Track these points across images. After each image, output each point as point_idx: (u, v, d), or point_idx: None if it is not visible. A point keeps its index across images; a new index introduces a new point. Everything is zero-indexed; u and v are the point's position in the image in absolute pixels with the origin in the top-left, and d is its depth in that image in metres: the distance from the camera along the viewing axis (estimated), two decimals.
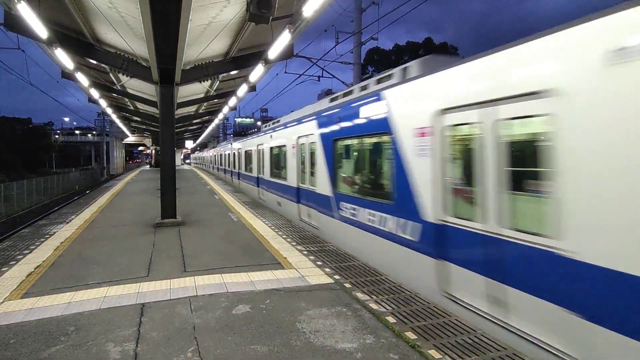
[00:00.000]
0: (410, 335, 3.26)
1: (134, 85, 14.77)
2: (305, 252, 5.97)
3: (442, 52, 42.02)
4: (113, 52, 9.80)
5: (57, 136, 73.08)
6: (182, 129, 32.80)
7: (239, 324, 3.48)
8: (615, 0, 2.66)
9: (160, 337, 3.23)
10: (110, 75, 13.16)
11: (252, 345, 3.10)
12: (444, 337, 3.24)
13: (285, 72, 18.19)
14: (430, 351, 3.00)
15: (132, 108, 22.09)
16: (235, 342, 3.15)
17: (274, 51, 8.33)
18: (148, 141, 43.71)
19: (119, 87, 14.74)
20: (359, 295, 4.18)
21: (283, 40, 7.70)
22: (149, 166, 47.91)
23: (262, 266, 5.25)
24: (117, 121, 28.50)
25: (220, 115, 23.70)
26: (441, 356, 2.93)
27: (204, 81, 11.62)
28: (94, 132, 73.30)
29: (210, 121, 29.26)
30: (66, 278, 4.77)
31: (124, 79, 13.54)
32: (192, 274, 4.95)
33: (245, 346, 3.08)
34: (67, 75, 12.62)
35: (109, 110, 21.64)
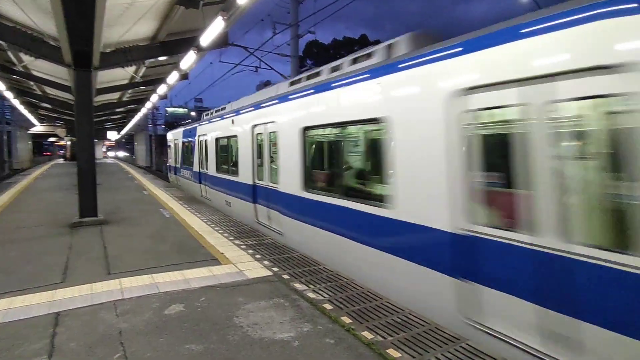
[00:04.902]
0: (346, 319, 3.42)
1: (42, 67, 12.96)
2: (243, 247, 5.87)
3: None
4: (12, 27, 8.48)
5: None
6: (104, 118, 29.80)
7: (171, 325, 3.32)
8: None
9: (80, 347, 2.95)
10: (9, 53, 11.39)
11: (186, 344, 2.99)
12: (375, 319, 3.45)
13: (220, 61, 17.50)
14: (363, 332, 3.17)
15: (39, 93, 19.43)
16: (167, 344, 3.00)
17: (207, 38, 7.93)
18: (61, 131, 38.92)
19: (21, 69, 12.83)
20: (297, 285, 4.24)
21: (216, 28, 7.36)
22: (63, 160, 42.71)
23: (197, 263, 5.05)
24: (21, 107, 24.78)
25: (149, 104, 21.98)
26: (373, 336, 3.12)
27: (127, 66, 10.66)
28: None
29: (137, 110, 26.98)
30: None
31: (27, 59, 11.81)
32: (117, 276, 4.58)
33: (178, 346, 2.96)
34: None
35: (9, 95, 18.72)
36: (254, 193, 7.88)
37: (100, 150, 48.77)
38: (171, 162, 18.25)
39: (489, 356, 2.82)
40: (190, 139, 13.78)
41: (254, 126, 7.78)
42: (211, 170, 10.92)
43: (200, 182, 12.30)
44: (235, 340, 3.05)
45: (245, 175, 8.31)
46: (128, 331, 3.21)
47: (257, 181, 7.82)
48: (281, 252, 5.61)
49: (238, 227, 7.38)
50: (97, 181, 8.07)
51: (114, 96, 20.66)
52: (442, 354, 2.85)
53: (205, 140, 11.56)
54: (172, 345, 2.99)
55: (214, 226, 7.37)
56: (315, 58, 44.09)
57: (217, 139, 10.50)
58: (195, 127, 12.92)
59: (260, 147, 7.74)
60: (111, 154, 66.95)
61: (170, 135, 18.30)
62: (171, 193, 12.69)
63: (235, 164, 9.08)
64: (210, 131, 11.08)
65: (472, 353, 2.86)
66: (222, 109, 11.01)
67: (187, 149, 14.39)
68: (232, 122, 9.20)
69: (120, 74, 14.03)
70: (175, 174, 17.14)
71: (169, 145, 18.37)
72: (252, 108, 8.06)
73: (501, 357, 2.83)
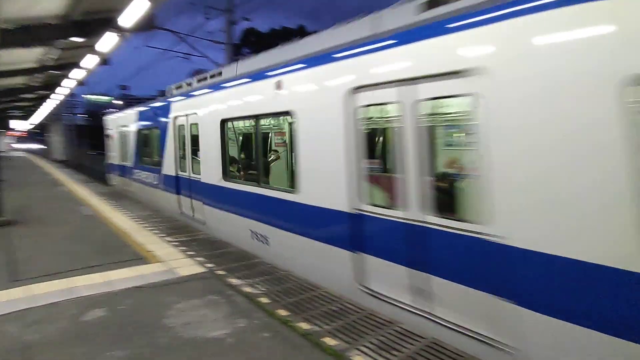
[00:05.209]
0: (282, 312, 3.42)
1: None
2: (175, 243, 5.57)
3: None
4: None
5: None
6: (7, 105, 25.95)
7: (91, 332, 3.05)
8: None
9: None
10: None
11: (108, 352, 2.76)
12: (312, 309, 3.51)
13: (148, 46, 16.22)
14: (299, 324, 3.21)
15: None
16: (85, 353, 2.75)
17: (128, 19, 7.24)
18: None
19: None
20: (233, 280, 4.15)
21: (139, 8, 6.75)
22: None
23: (121, 263, 4.67)
24: None
25: (64, 91, 19.60)
26: (310, 327, 3.18)
27: (34, 47, 9.35)
28: None
29: (49, 97, 23.91)
30: None
31: None
32: (25, 282, 4.07)
33: (99, 355, 2.72)
34: None
35: None
36: (356, 231, 3.79)
37: (2, 142, 42.37)
38: (114, 158, 12.89)
39: (418, 335, 3.03)
40: (153, 123, 9.10)
41: (355, 90, 3.69)
42: (209, 175, 6.45)
43: (179, 193, 7.78)
44: (164, 342, 2.89)
45: (316, 191, 4.29)
46: (38, 343, 2.87)
47: (364, 208, 3.71)
48: (216, 247, 5.43)
49: (170, 222, 6.96)
50: (3, 177, 7.05)
51: (18, 80, 18.03)
52: (375, 338, 2.99)
53: (192, 125, 7.12)
54: (92, 354, 2.74)
55: (142, 223, 6.88)
56: (253, 46, 43.10)
57: (223, 122, 6.08)
58: (167, 105, 8.21)
59: (374, 136, 4.05)
60: (21, 146, 58.78)
61: (112, 121, 13.02)
62: (92, 189, 11.55)
63: (276, 168, 5.76)
64: (204, 107, 6.63)
65: (402, 335, 3.04)
66: (218, 75, 6.75)
67: (148, 140, 9.81)
68: (278, 85, 4.77)
69: (28, 56, 12.24)
70: (123, 175, 12.05)
71: (108, 135, 13.24)
72: (334, 59, 3.95)
73: (430, 336, 3.04)
